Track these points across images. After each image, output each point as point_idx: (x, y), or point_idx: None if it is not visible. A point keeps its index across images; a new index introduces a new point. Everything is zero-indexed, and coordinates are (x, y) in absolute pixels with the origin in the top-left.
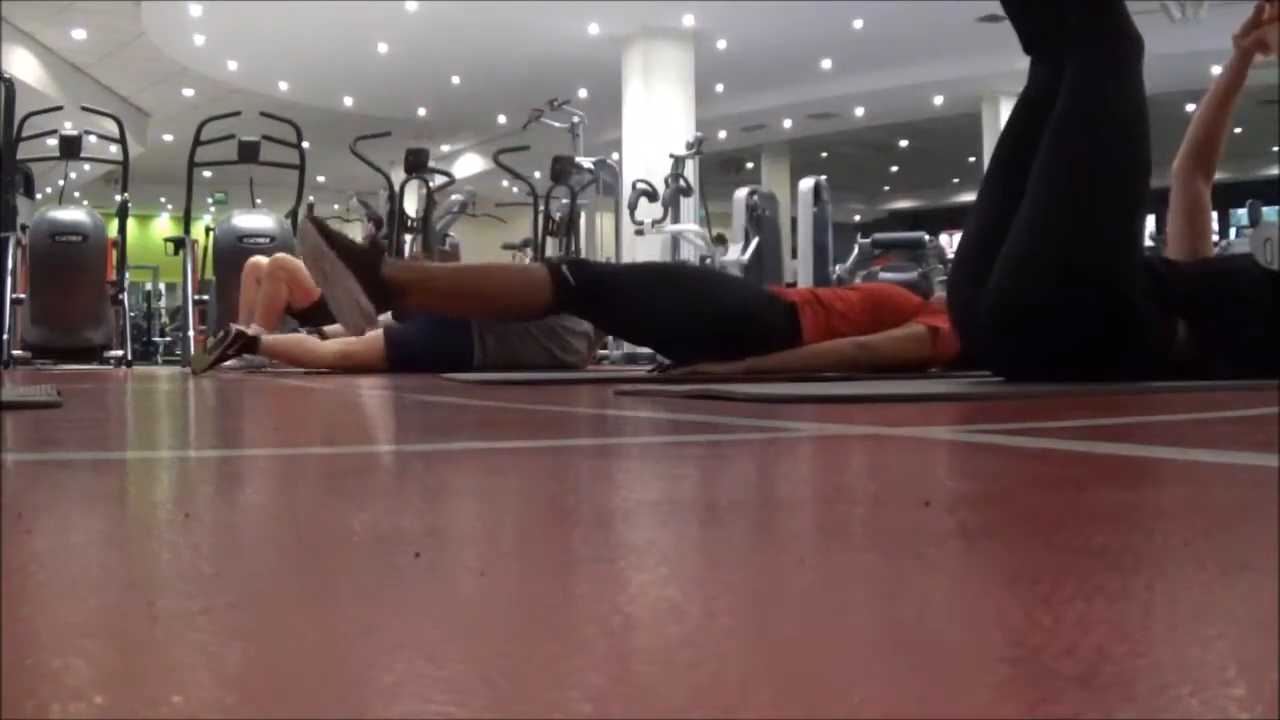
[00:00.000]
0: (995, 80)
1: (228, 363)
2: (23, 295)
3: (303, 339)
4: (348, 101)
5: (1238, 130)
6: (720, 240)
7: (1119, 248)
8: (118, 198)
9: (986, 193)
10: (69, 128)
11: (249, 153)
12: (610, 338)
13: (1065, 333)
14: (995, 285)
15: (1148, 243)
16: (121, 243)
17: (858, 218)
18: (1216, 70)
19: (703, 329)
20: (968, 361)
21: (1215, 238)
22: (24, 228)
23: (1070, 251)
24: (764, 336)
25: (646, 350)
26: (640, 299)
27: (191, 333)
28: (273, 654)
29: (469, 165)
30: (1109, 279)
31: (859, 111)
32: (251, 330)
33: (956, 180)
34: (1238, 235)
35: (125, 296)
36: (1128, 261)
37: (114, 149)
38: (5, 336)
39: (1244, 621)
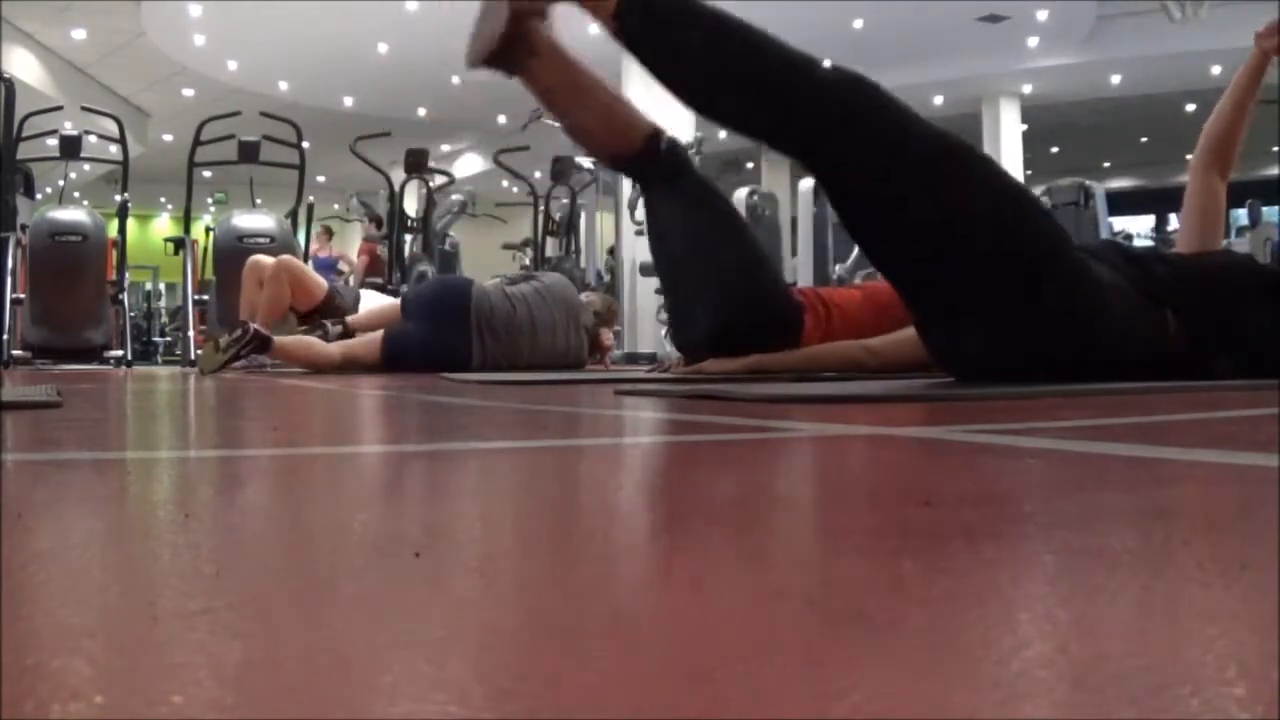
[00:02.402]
0: (995, 80)
1: (236, 363)
2: (23, 295)
3: (309, 341)
4: (348, 101)
5: None
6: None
7: (1045, 266)
8: (118, 198)
9: (884, 271)
10: (69, 128)
11: (249, 153)
12: (613, 338)
13: (1051, 350)
14: (975, 348)
15: (1148, 241)
16: (121, 243)
17: None
18: (1217, 70)
19: (722, 281)
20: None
21: (1222, 235)
22: (24, 228)
23: (1018, 302)
24: (769, 327)
25: (647, 350)
26: (695, 205)
27: (191, 333)
28: (273, 654)
29: (469, 165)
30: (1061, 276)
31: None
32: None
33: None
34: (1237, 235)
35: (125, 296)
36: (1061, 244)
37: (114, 149)
38: (5, 336)
39: (1244, 621)
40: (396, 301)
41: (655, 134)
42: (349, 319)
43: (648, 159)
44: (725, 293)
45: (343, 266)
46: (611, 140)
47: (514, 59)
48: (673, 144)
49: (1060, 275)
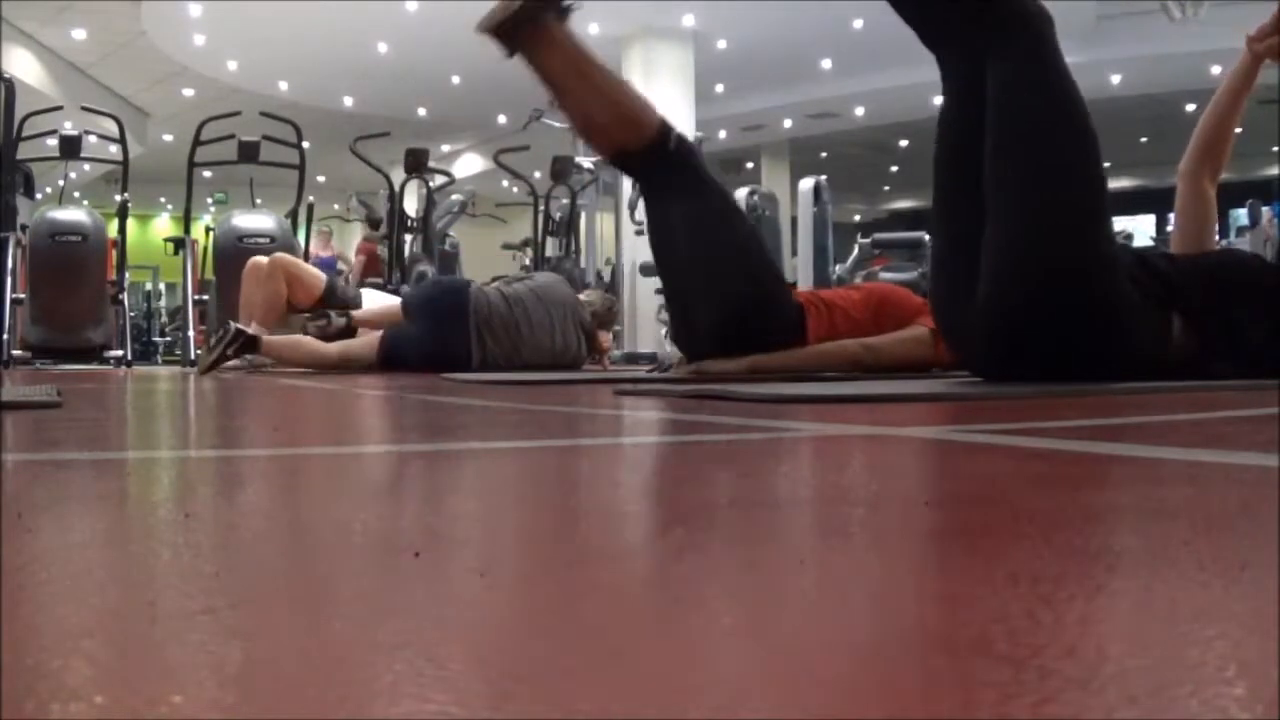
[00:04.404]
0: None
1: (230, 362)
2: (23, 295)
3: (302, 340)
4: (348, 101)
5: (1238, 130)
6: None
7: (1090, 236)
8: (118, 198)
9: (942, 208)
10: (69, 128)
11: (249, 153)
12: (611, 338)
13: (1056, 333)
14: (982, 297)
15: (1148, 241)
16: (121, 243)
17: (858, 218)
18: (1217, 70)
19: (726, 280)
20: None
21: (1216, 237)
22: (24, 228)
23: (1045, 251)
24: (770, 327)
25: (647, 350)
26: (701, 203)
27: (191, 333)
28: (273, 654)
29: (469, 165)
30: (1088, 270)
31: (859, 111)
32: (253, 330)
33: None
34: (1237, 235)
35: (125, 296)
36: (1104, 247)
37: (114, 149)
38: (5, 336)
39: (1244, 621)
40: (399, 301)
41: (664, 128)
42: (354, 314)
43: (655, 153)
44: (728, 292)
45: (341, 266)
46: (618, 132)
47: (520, 39)
48: (681, 139)
49: (1104, 279)
